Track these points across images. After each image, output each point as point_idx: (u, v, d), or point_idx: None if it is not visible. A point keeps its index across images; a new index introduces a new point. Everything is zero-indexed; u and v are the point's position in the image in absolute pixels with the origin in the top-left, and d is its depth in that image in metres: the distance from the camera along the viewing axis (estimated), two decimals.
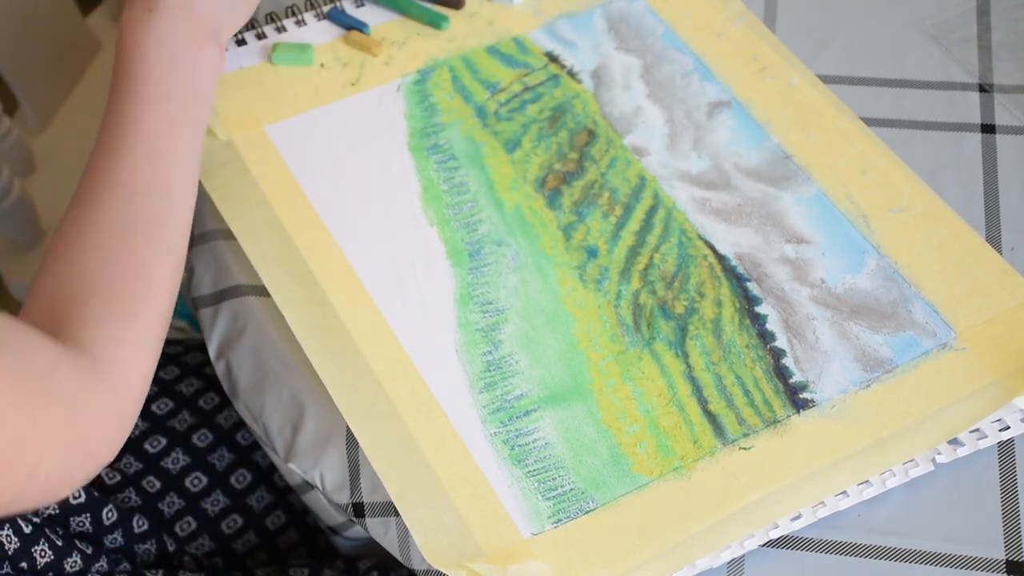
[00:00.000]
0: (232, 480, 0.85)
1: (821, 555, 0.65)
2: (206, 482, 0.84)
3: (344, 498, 0.69)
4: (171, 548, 0.81)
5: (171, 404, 0.87)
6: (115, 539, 0.77)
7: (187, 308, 1.07)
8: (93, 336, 0.58)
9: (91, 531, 0.76)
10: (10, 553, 0.70)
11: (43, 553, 0.71)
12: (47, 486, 0.54)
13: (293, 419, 0.72)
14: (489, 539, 0.64)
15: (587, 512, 0.65)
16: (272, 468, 0.87)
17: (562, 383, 0.70)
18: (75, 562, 0.73)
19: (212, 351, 0.76)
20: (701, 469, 0.66)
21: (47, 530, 0.72)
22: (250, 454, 0.87)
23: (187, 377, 0.88)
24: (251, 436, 0.87)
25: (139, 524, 0.80)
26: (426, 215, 0.77)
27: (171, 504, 0.82)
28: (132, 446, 0.83)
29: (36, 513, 0.73)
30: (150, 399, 0.86)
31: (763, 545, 0.65)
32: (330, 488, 0.70)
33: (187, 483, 0.83)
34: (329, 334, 0.72)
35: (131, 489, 0.81)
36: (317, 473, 0.70)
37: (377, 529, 0.68)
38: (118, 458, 0.82)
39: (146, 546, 0.80)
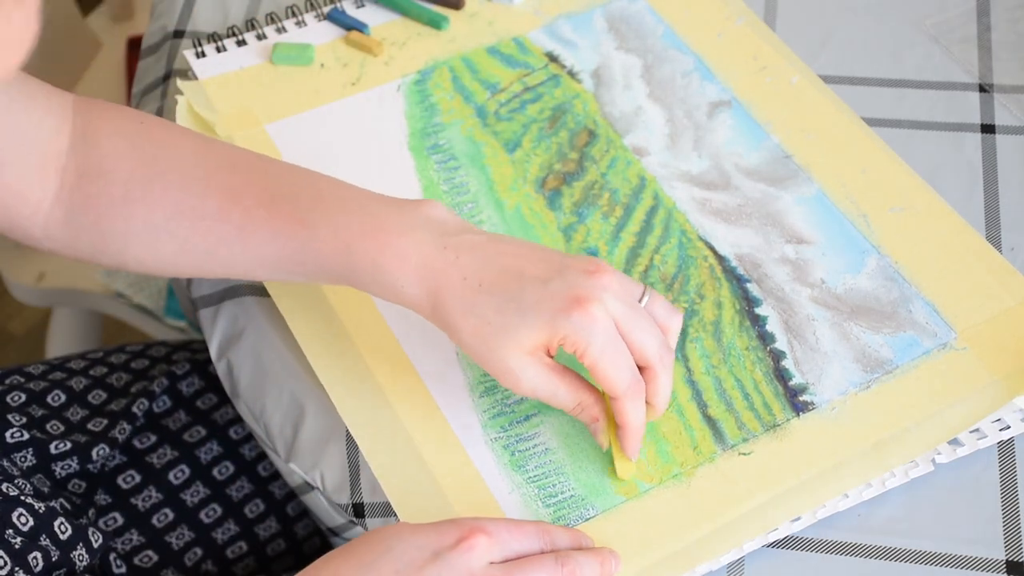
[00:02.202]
0: (218, 476, 0.85)
1: (821, 555, 0.65)
2: (201, 487, 0.84)
3: (344, 498, 0.69)
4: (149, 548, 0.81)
5: (169, 403, 0.87)
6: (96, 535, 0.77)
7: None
8: None
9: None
10: None
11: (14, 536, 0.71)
12: None
13: (293, 419, 0.72)
14: None
15: (587, 519, 0.65)
16: (271, 475, 0.87)
17: None
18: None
19: (213, 352, 0.76)
20: (701, 476, 0.66)
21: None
22: (247, 460, 0.87)
23: (189, 376, 0.88)
24: (243, 433, 0.88)
25: (112, 521, 0.80)
26: None
27: (151, 501, 0.82)
28: (125, 446, 0.83)
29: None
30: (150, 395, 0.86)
31: (763, 546, 0.65)
32: (330, 488, 0.70)
33: (183, 492, 0.83)
34: (330, 338, 0.72)
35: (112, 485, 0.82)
36: (317, 473, 0.70)
37: None
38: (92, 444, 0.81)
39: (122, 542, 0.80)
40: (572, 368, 0.64)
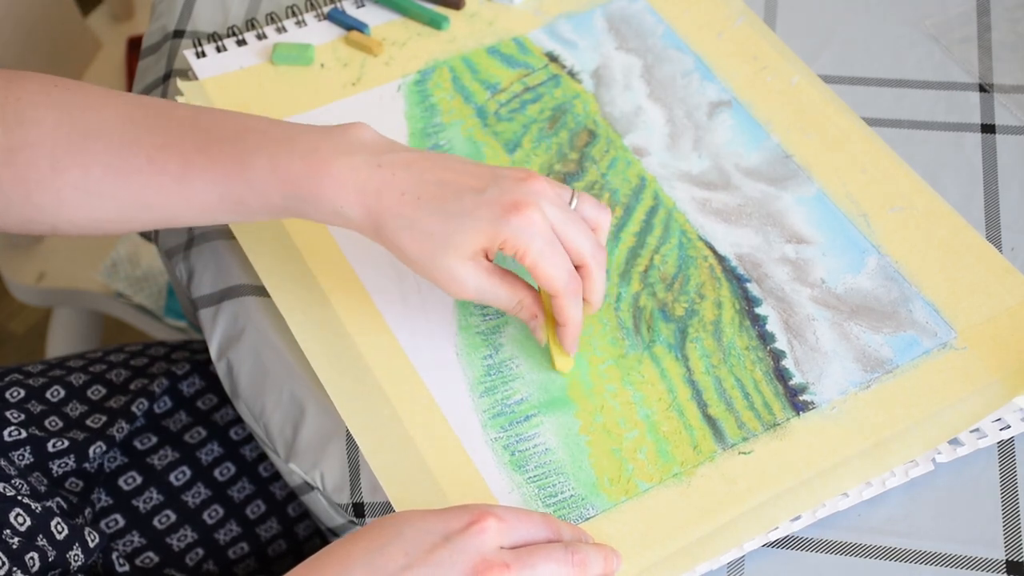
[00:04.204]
0: (219, 477, 0.85)
1: (821, 555, 0.65)
2: (202, 488, 0.84)
3: (344, 498, 0.69)
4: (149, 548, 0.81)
5: (170, 403, 0.87)
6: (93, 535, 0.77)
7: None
8: None
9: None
10: None
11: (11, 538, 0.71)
12: None
13: (293, 419, 0.72)
14: None
15: (587, 519, 0.65)
16: (272, 476, 0.87)
17: (562, 387, 0.70)
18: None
19: (213, 352, 0.76)
20: (701, 475, 0.66)
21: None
22: (248, 461, 0.87)
23: (190, 376, 0.88)
24: (243, 433, 0.88)
25: (115, 523, 0.80)
26: None
27: (150, 501, 0.82)
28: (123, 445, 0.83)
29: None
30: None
31: (763, 545, 0.65)
32: (330, 488, 0.70)
33: (187, 497, 0.83)
34: (330, 337, 0.72)
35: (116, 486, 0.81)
36: (317, 473, 0.70)
37: None
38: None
39: (124, 542, 0.80)
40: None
